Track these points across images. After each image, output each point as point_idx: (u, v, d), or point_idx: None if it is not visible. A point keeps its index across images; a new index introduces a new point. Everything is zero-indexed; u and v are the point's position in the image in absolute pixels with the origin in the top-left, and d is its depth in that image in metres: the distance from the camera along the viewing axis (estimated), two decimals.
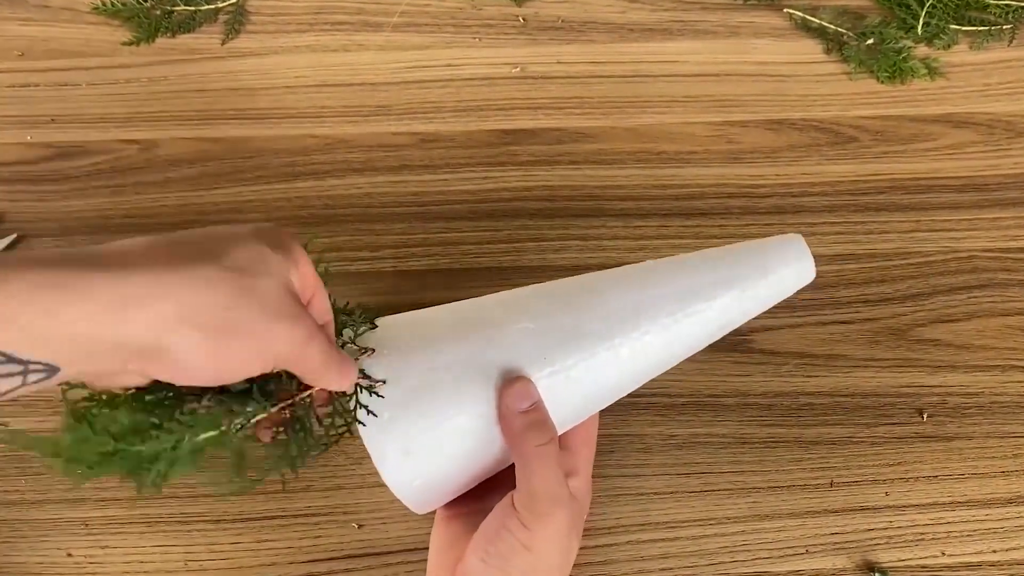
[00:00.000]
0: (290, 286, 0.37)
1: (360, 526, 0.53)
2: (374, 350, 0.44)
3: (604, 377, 0.45)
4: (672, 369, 0.57)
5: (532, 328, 0.44)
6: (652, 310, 0.45)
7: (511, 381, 0.43)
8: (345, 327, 0.45)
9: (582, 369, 0.44)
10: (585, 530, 0.49)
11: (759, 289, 0.46)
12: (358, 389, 0.43)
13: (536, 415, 0.43)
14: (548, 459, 0.42)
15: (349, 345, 0.44)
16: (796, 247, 0.46)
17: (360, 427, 0.43)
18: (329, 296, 0.42)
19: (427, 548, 0.48)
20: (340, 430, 0.43)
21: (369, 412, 0.42)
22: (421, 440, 0.43)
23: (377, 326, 0.46)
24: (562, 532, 0.43)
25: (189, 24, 0.68)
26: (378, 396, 0.43)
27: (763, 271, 0.46)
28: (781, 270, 0.46)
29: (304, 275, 0.39)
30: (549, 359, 0.44)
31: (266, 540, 0.53)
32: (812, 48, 0.69)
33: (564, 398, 0.44)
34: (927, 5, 0.68)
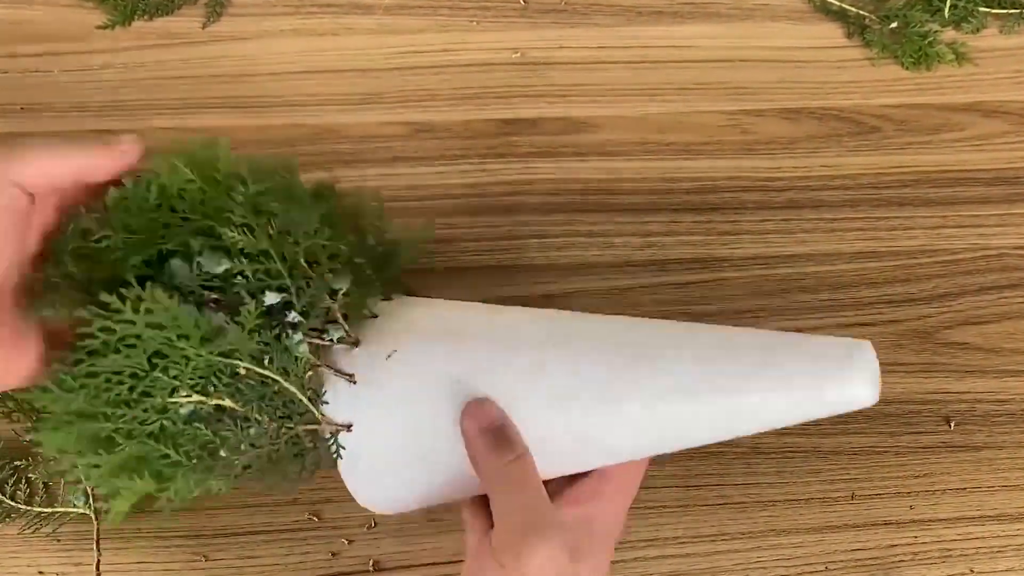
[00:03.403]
0: None
1: (350, 541, 0.53)
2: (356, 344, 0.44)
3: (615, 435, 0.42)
4: None
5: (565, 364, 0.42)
6: (699, 383, 0.41)
7: (467, 405, 0.42)
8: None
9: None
10: None
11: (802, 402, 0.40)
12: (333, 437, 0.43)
13: (498, 432, 0.41)
14: (515, 481, 0.41)
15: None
16: (864, 367, 0.39)
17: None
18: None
19: (420, 564, 0.48)
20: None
21: (337, 451, 0.43)
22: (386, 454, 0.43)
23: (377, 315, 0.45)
24: (551, 568, 0.39)
25: (168, 6, 0.68)
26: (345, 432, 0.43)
27: (819, 389, 0.40)
28: (837, 391, 0.39)
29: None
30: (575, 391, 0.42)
31: (250, 556, 0.53)
32: (832, 32, 0.68)
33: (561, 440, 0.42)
34: None
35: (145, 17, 0.68)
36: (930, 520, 0.53)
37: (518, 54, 0.67)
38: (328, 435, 0.42)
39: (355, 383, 0.43)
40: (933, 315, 0.59)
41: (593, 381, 0.42)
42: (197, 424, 0.40)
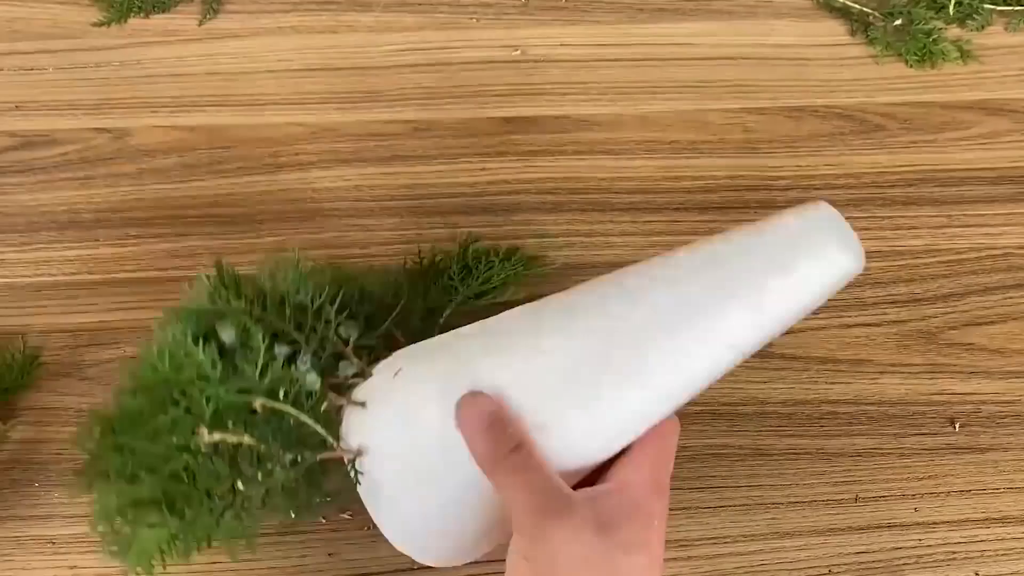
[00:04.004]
0: None
1: (330, 554, 0.53)
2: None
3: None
4: None
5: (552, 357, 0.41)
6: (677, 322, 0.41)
7: (462, 397, 0.41)
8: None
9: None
10: None
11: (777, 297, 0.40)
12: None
13: (493, 422, 0.40)
14: (518, 468, 0.39)
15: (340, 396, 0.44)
16: (832, 228, 0.40)
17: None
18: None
19: (418, 568, 0.48)
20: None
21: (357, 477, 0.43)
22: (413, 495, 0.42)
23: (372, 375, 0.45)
24: (576, 548, 0.37)
25: (164, 4, 0.68)
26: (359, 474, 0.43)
27: (784, 269, 0.40)
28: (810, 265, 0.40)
29: None
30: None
31: (248, 559, 0.52)
32: (836, 29, 0.68)
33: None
34: None
35: (141, 14, 0.68)
36: (935, 522, 0.53)
37: (518, 52, 0.67)
38: (347, 462, 0.43)
39: (365, 407, 0.43)
40: (938, 315, 0.59)
41: (592, 352, 0.41)
42: (216, 459, 0.41)
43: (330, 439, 0.43)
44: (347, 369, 0.45)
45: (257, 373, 0.42)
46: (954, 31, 0.68)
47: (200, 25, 0.68)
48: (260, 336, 0.42)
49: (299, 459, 0.42)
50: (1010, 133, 0.64)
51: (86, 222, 0.61)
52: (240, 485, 0.42)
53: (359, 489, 0.43)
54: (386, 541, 0.52)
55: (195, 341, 0.42)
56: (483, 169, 0.63)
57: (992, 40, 0.68)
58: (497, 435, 0.40)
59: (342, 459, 0.43)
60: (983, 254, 0.60)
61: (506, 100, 0.65)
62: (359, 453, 0.43)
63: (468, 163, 0.63)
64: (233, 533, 0.42)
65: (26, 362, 0.56)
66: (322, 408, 0.43)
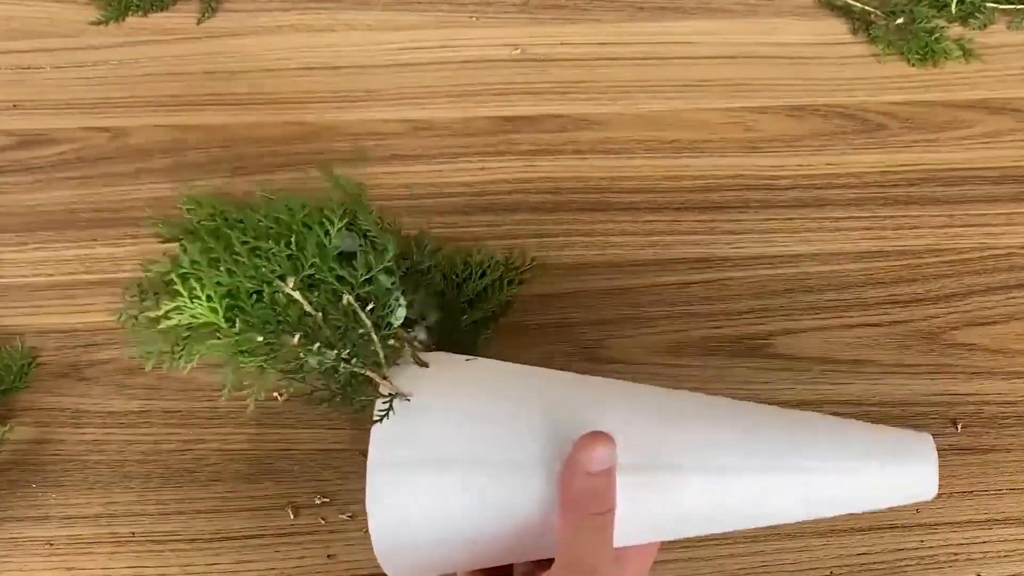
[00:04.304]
0: None
1: (347, 545, 0.53)
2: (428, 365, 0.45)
3: (683, 506, 0.43)
4: (685, 375, 0.57)
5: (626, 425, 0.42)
6: (760, 458, 0.43)
7: (590, 436, 0.40)
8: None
9: (665, 488, 0.42)
10: None
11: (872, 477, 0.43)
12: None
13: (607, 479, 0.40)
14: (601, 532, 0.40)
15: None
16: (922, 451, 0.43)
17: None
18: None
19: None
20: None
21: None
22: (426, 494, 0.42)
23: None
24: None
25: (162, 2, 0.68)
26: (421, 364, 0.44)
27: (881, 461, 0.43)
28: (899, 470, 0.43)
29: None
30: (638, 462, 0.42)
31: (246, 561, 0.52)
32: (837, 28, 0.68)
33: (636, 509, 0.42)
34: None
35: (139, 13, 0.68)
36: (937, 524, 0.53)
37: (518, 50, 0.67)
38: (384, 393, 0.43)
39: (427, 365, 0.45)
40: (940, 315, 0.59)
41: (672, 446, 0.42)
42: (292, 306, 0.42)
43: (383, 366, 0.44)
44: (420, 333, 0.47)
45: (361, 276, 0.43)
46: (956, 30, 0.68)
47: (198, 24, 0.68)
48: (383, 252, 0.44)
49: (350, 361, 0.43)
50: (1012, 132, 0.64)
51: (84, 222, 0.61)
52: (295, 340, 0.42)
53: (369, 456, 0.43)
54: None
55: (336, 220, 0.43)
56: (483, 168, 0.63)
57: (994, 39, 0.68)
58: (604, 491, 0.40)
59: (378, 390, 0.44)
60: (985, 254, 0.60)
61: (506, 99, 0.65)
62: (399, 395, 0.43)
63: (467, 162, 0.63)
64: (272, 376, 0.43)
65: (23, 363, 0.56)
66: (389, 342, 0.44)
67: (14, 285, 0.59)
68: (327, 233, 0.43)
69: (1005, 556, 0.53)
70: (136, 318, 0.43)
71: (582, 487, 0.40)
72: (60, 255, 0.60)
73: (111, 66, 0.66)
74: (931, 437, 0.43)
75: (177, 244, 0.43)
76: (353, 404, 0.46)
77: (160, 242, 0.45)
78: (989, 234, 0.61)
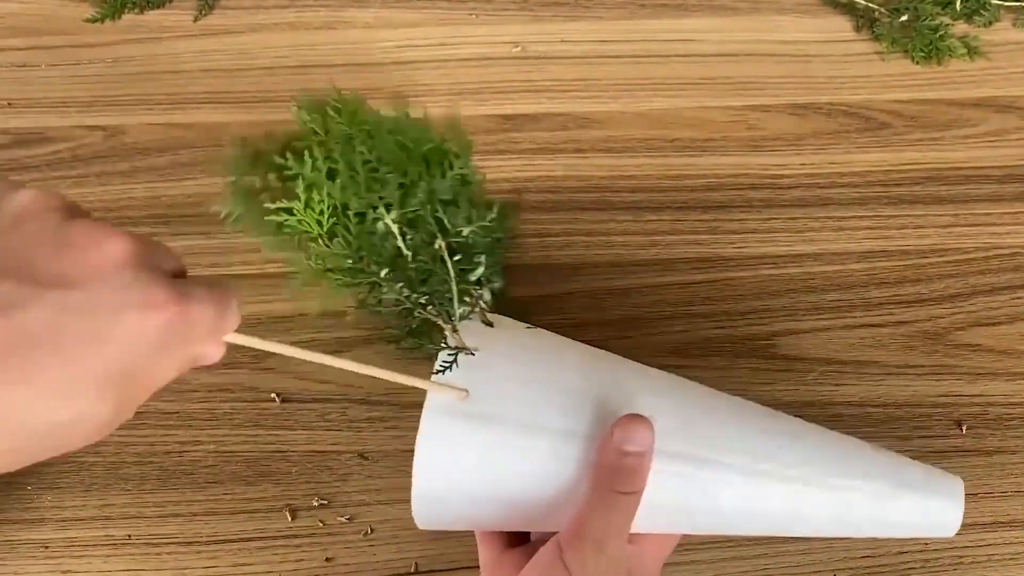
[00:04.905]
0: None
1: (328, 559, 0.53)
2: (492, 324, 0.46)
3: (718, 501, 0.44)
4: (687, 376, 0.57)
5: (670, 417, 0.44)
6: (798, 466, 0.44)
7: (631, 416, 0.42)
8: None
9: (706, 482, 0.44)
10: None
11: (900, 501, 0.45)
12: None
13: (639, 461, 0.41)
14: (621, 511, 0.41)
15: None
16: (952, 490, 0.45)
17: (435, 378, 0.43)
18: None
19: (416, 572, 0.48)
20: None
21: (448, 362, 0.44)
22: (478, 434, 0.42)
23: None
24: None
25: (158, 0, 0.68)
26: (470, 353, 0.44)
27: (910, 489, 0.45)
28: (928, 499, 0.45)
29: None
30: (683, 452, 0.43)
31: (243, 564, 0.52)
32: (841, 25, 0.68)
33: (671, 498, 0.44)
34: None
35: (135, 10, 0.68)
36: None
37: (518, 48, 0.67)
38: (450, 343, 0.44)
39: (492, 325, 0.46)
40: (944, 316, 0.58)
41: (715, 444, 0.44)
42: (389, 238, 0.41)
43: (456, 318, 0.44)
44: (486, 294, 0.46)
45: (459, 227, 0.43)
46: (961, 27, 0.68)
47: (195, 21, 0.68)
48: (484, 209, 0.43)
49: (426, 307, 0.43)
50: (1018, 131, 0.64)
51: None
52: (382, 274, 0.42)
53: (428, 399, 0.43)
54: (383, 545, 0.53)
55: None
56: (482, 167, 0.63)
57: (1000, 36, 0.67)
58: (635, 470, 0.41)
59: (445, 340, 0.44)
60: (990, 254, 0.60)
61: (506, 97, 0.65)
62: (465, 349, 0.44)
63: None
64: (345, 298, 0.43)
65: None
66: (465, 297, 0.44)
67: None
68: (444, 175, 0.42)
69: (1011, 559, 0.52)
70: (242, 183, 0.40)
71: (613, 463, 0.41)
72: None
73: (107, 64, 0.66)
74: (962, 480, 0.45)
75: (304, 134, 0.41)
76: (419, 350, 0.46)
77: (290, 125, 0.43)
78: (994, 234, 0.61)
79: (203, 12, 0.68)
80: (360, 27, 0.68)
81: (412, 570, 0.52)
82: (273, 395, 0.56)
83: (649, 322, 0.58)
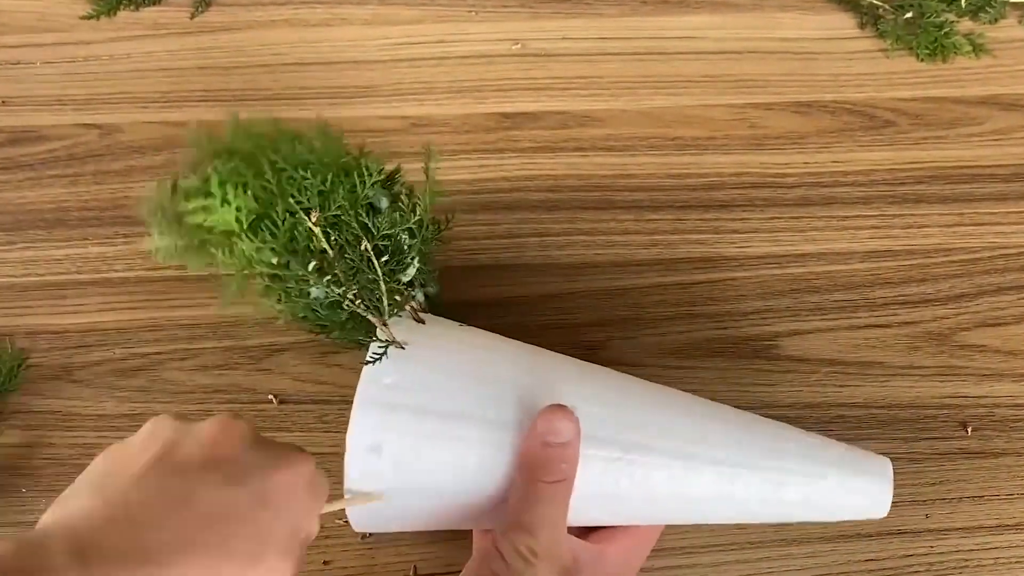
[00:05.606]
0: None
1: (326, 563, 0.53)
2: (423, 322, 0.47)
3: (660, 489, 0.45)
4: (688, 377, 0.57)
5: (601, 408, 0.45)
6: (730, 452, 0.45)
7: (554, 407, 0.42)
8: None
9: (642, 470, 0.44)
10: None
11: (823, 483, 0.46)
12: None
13: (562, 451, 0.42)
14: (550, 501, 0.41)
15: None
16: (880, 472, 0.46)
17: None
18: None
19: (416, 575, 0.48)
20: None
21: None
22: (406, 439, 0.43)
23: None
24: None
25: None
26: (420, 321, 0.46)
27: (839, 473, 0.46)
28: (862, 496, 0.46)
29: None
30: (612, 440, 0.44)
31: None
32: (844, 22, 0.68)
33: (604, 487, 0.44)
34: None
35: (131, 7, 0.68)
36: (947, 529, 0.53)
37: (518, 45, 0.67)
38: (381, 336, 0.45)
39: (424, 323, 0.47)
40: (950, 316, 0.58)
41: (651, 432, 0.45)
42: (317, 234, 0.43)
43: (385, 313, 0.45)
44: (419, 295, 0.48)
45: (383, 231, 0.45)
46: (966, 24, 0.68)
47: (192, 18, 0.68)
48: (409, 215, 0.46)
49: (354, 302, 0.45)
50: (1023, 129, 0.64)
51: (74, 220, 0.61)
52: (307, 269, 0.43)
53: (359, 387, 0.43)
54: (382, 548, 0.52)
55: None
56: (482, 166, 0.63)
57: (1005, 33, 0.67)
58: (560, 457, 0.42)
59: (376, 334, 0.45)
60: (996, 253, 0.60)
61: (506, 95, 0.65)
62: (395, 342, 0.45)
63: (467, 160, 0.63)
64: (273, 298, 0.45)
65: (13, 365, 0.56)
66: (395, 296, 0.46)
67: (3, 285, 0.59)
68: (360, 185, 0.44)
69: (1017, 562, 0.52)
70: (163, 210, 0.43)
71: (537, 454, 0.42)
72: (50, 254, 0.60)
73: (103, 62, 0.66)
74: (890, 462, 0.46)
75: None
76: (347, 343, 0.48)
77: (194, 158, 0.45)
78: (1000, 233, 0.61)
79: (200, 9, 0.68)
80: (358, 24, 0.67)
81: (411, 573, 0.52)
82: (271, 397, 0.56)
83: (650, 322, 0.58)
